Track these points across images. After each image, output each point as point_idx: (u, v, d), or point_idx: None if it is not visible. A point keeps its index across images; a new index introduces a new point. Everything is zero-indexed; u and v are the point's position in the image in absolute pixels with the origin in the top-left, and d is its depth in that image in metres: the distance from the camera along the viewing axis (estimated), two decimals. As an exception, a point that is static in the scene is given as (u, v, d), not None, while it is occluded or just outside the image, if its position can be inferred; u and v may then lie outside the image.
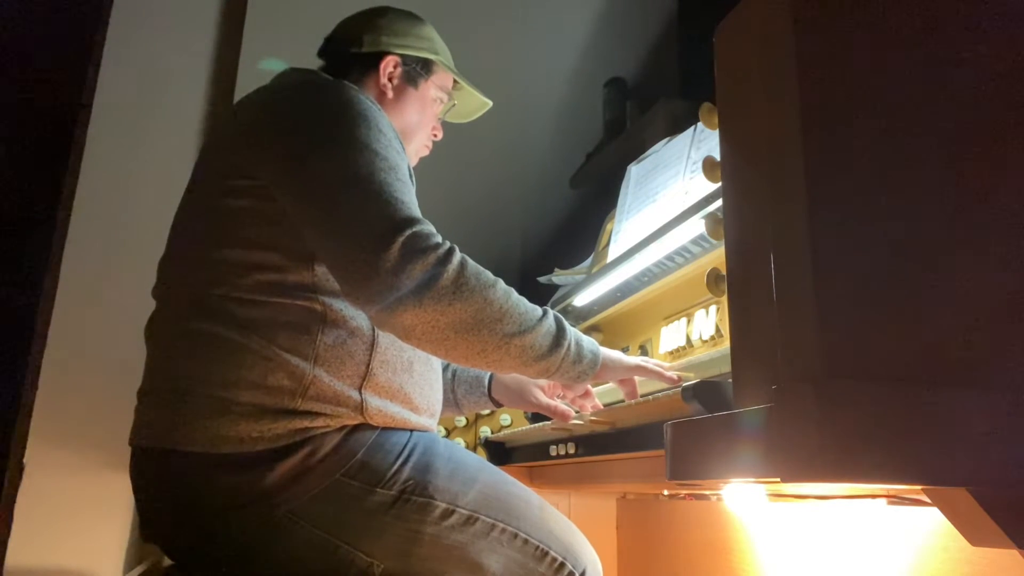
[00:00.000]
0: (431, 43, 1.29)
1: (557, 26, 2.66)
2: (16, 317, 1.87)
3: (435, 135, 1.34)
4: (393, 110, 1.24)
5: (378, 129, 1.01)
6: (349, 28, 1.29)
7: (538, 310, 1.00)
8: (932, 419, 0.56)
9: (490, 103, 1.42)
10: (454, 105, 1.35)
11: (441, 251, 0.91)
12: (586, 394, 1.26)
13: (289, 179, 0.98)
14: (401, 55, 1.26)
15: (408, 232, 0.90)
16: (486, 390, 1.36)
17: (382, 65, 1.24)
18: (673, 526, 1.73)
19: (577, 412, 1.24)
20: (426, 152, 1.34)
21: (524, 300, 0.99)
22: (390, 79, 1.25)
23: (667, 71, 2.58)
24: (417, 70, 1.27)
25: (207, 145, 1.18)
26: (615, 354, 1.11)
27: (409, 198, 0.96)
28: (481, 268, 0.95)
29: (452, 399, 1.37)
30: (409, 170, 1.05)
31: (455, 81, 1.34)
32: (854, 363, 0.57)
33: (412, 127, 1.27)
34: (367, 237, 0.90)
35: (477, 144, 2.31)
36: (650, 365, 1.14)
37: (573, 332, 1.04)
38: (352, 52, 1.25)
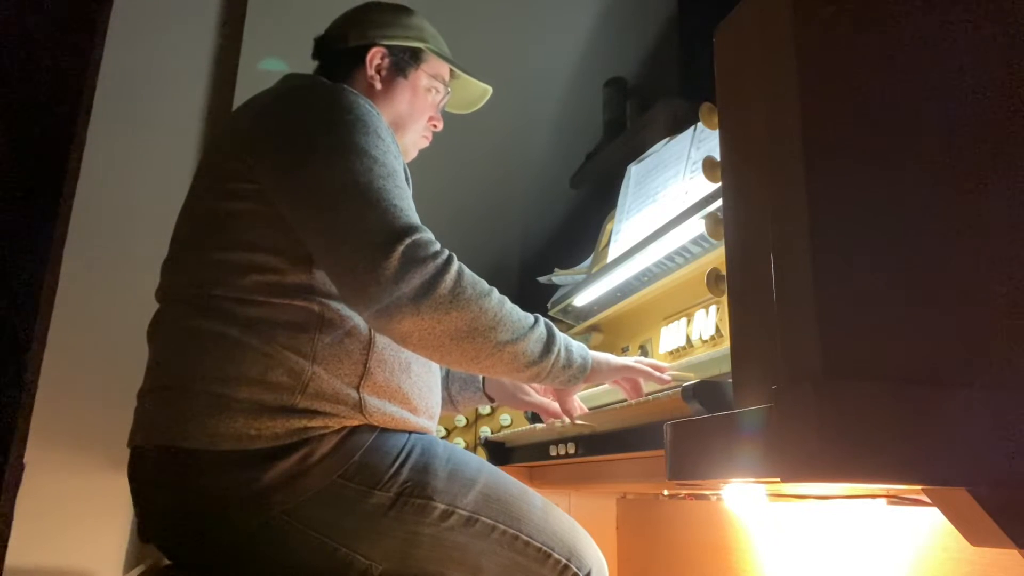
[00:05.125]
0: (419, 32, 1.28)
1: (557, 26, 2.66)
2: (16, 317, 1.87)
3: (434, 126, 1.32)
4: (383, 101, 1.24)
5: (376, 134, 1.01)
6: (336, 27, 1.29)
7: (530, 317, 1.02)
8: (932, 419, 0.56)
9: (490, 89, 1.41)
10: (449, 93, 1.33)
11: (439, 260, 0.93)
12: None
13: (287, 185, 0.99)
14: (387, 46, 1.25)
15: (408, 241, 0.91)
16: (480, 386, 1.38)
17: (368, 57, 1.24)
18: (673, 526, 1.73)
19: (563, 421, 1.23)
20: (425, 143, 1.33)
21: (517, 308, 1.01)
22: (378, 71, 1.24)
23: (667, 71, 2.58)
24: (405, 59, 1.26)
25: (208, 148, 1.18)
26: (605, 356, 1.11)
27: (407, 204, 0.97)
28: (477, 277, 0.97)
29: (447, 396, 1.38)
30: (406, 172, 1.05)
31: (452, 71, 1.33)
32: (854, 363, 0.57)
33: (404, 117, 1.26)
34: (367, 246, 0.91)
35: (477, 144, 2.31)
36: (639, 365, 1.13)
37: (563, 338, 1.05)
38: (340, 49, 1.25)
